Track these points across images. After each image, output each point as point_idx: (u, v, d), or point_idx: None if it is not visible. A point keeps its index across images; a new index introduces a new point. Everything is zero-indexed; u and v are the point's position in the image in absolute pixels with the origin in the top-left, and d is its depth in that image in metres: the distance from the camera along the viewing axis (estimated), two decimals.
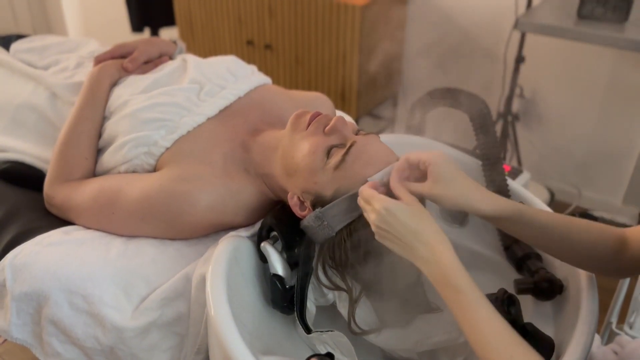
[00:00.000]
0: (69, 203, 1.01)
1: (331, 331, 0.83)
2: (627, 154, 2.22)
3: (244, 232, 0.92)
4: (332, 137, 0.86)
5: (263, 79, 1.18)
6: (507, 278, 0.94)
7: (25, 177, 1.13)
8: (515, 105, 2.30)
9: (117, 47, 1.18)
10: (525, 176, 1.70)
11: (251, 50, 2.49)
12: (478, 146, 1.08)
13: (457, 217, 1.08)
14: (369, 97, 2.41)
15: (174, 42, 1.26)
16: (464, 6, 2.29)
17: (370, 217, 0.75)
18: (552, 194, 2.40)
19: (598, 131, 2.24)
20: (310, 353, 0.83)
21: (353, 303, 0.87)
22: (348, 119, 1.19)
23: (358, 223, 0.83)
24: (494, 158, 1.05)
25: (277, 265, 0.86)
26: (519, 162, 2.30)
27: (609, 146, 2.25)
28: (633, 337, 1.07)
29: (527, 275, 0.93)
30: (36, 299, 0.90)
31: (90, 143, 1.07)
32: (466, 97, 1.10)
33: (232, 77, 1.13)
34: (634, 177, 2.24)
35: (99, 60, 1.17)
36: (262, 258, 0.89)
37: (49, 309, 0.89)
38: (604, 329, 1.25)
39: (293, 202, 0.88)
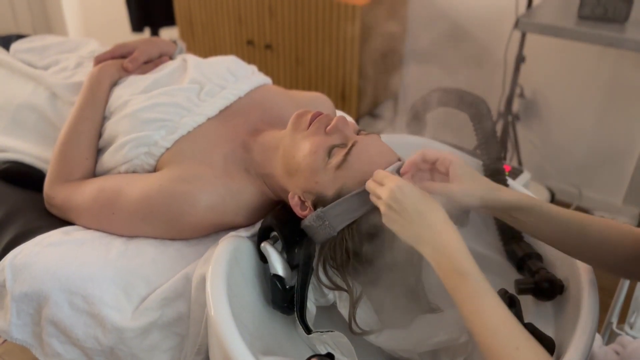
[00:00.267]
0: (69, 203, 1.01)
1: (331, 331, 0.82)
2: (627, 153, 2.22)
3: (244, 232, 0.92)
4: (334, 136, 0.86)
5: (263, 79, 1.18)
6: (507, 278, 0.94)
7: (25, 177, 1.13)
8: (516, 105, 2.30)
9: (117, 47, 1.18)
10: (525, 176, 1.70)
11: (251, 50, 2.49)
12: (478, 146, 1.08)
13: (458, 217, 1.08)
14: (369, 97, 2.41)
15: (174, 42, 1.26)
16: (464, 6, 2.29)
17: (383, 194, 0.75)
18: (552, 194, 2.40)
19: (598, 131, 2.24)
20: (311, 353, 0.83)
21: (354, 303, 0.87)
22: (348, 119, 1.19)
23: (360, 223, 0.83)
24: (495, 158, 1.05)
25: (277, 265, 0.86)
26: (520, 162, 2.30)
27: (610, 146, 2.25)
28: (634, 337, 1.07)
29: (528, 276, 0.93)
30: (36, 299, 0.90)
31: (90, 143, 1.07)
32: (466, 97, 1.10)
33: (233, 77, 1.13)
34: (635, 177, 2.24)
35: (99, 60, 1.17)
36: (262, 258, 0.89)
37: (49, 310, 0.89)
38: (605, 329, 1.25)
39: (294, 202, 0.88)
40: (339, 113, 1.14)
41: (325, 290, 0.90)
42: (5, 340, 0.97)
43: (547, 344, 0.76)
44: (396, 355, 0.90)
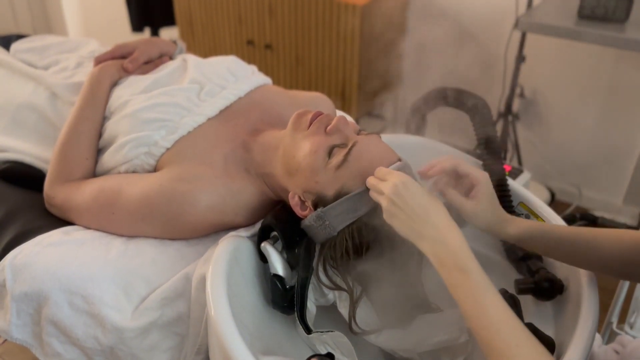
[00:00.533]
0: (69, 203, 1.01)
1: (331, 331, 0.82)
2: (627, 153, 2.22)
3: (244, 232, 0.92)
4: (334, 136, 0.86)
5: (263, 79, 1.18)
6: (507, 278, 0.94)
7: (25, 177, 1.13)
8: (516, 105, 2.30)
9: (117, 48, 1.18)
10: (525, 176, 1.70)
11: (251, 50, 2.49)
12: (478, 146, 1.08)
13: (458, 217, 1.08)
14: (369, 97, 2.41)
15: (174, 42, 1.26)
16: (464, 6, 2.29)
17: (385, 189, 0.75)
18: (552, 194, 2.40)
19: (598, 131, 2.24)
20: (311, 353, 0.83)
21: (354, 303, 0.87)
22: (349, 119, 1.19)
23: (360, 223, 0.83)
24: (495, 158, 1.05)
25: (278, 265, 0.86)
26: (520, 162, 2.30)
27: (610, 146, 2.25)
28: (634, 337, 1.07)
29: (528, 275, 0.93)
30: (36, 299, 0.90)
31: (90, 143, 1.07)
32: (466, 97, 1.09)
33: (233, 77, 1.13)
34: (635, 177, 2.24)
35: (99, 60, 1.17)
36: (263, 258, 0.89)
37: (49, 309, 0.89)
38: (605, 329, 1.25)
39: (294, 201, 0.88)
40: (339, 113, 1.14)
41: (325, 290, 0.90)
42: (5, 340, 0.97)
43: (547, 344, 0.77)
44: (396, 355, 0.90)
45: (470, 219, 0.82)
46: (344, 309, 0.89)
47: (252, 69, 1.20)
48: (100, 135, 1.09)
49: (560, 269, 0.91)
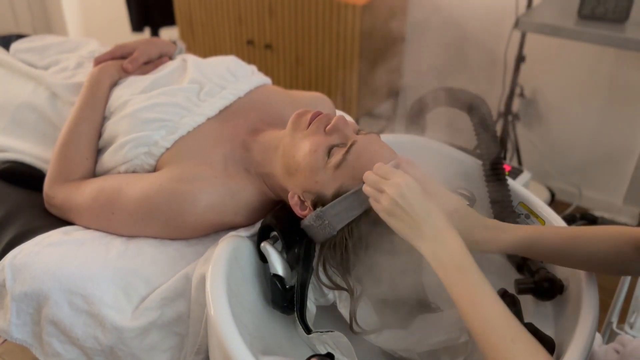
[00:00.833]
0: (69, 203, 1.01)
1: (331, 331, 0.82)
2: (627, 153, 2.22)
3: (244, 232, 0.92)
4: (333, 136, 0.86)
5: (263, 79, 1.18)
6: (507, 278, 0.94)
7: (25, 177, 1.13)
8: (516, 105, 2.30)
9: (117, 48, 1.18)
10: (525, 176, 1.70)
11: (251, 50, 2.49)
12: (478, 146, 1.08)
13: None
14: (369, 97, 2.41)
15: (174, 43, 1.26)
16: (464, 6, 2.29)
17: (389, 189, 0.75)
18: (552, 194, 2.40)
19: (598, 130, 2.24)
20: (311, 353, 0.83)
21: (354, 302, 0.87)
22: (348, 118, 1.19)
23: (359, 222, 0.83)
24: (495, 158, 1.05)
25: (277, 265, 0.86)
26: (520, 162, 2.30)
27: (610, 146, 2.25)
28: (634, 337, 1.07)
29: (528, 275, 0.93)
30: (36, 299, 0.90)
31: (90, 143, 1.07)
32: (466, 97, 1.09)
33: (232, 77, 1.13)
34: (635, 177, 2.24)
35: (99, 61, 1.17)
36: (262, 258, 0.89)
37: (48, 309, 0.89)
38: (605, 329, 1.25)
39: (294, 201, 0.88)
40: (339, 113, 1.14)
41: (325, 290, 0.90)
42: (5, 340, 0.97)
43: (547, 343, 0.77)
44: (396, 355, 0.90)
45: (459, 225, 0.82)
46: (344, 309, 0.89)
47: (252, 69, 1.20)
48: (100, 135, 1.09)
49: (560, 269, 0.91)
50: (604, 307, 0.91)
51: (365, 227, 0.83)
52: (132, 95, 1.08)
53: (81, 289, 0.88)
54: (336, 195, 0.83)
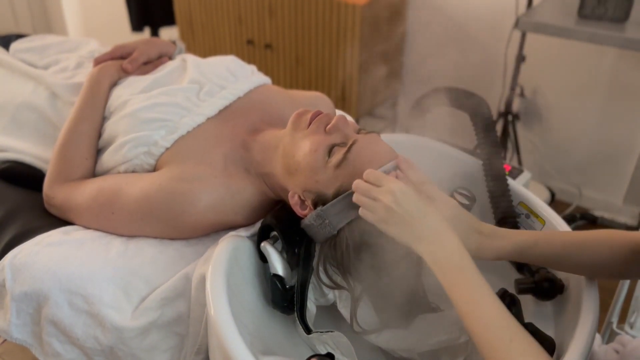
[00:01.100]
0: (68, 203, 1.01)
1: (331, 331, 0.82)
2: (627, 153, 2.22)
3: (244, 232, 0.92)
4: (334, 135, 0.86)
5: (263, 79, 1.18)
6: (507, 278, 0.94)
7: (25, 177, 1.13)
8: (516, 105, 2.30)
9: (117, 48, 1.18)
10: (525, 176, 1.69)
11: (251, 50, 2.49)
12: (478, 146, 1.07)
13: None
14: (369, 96, 2.41)
15: (174, 43, 1.26)
16: (464, 5, 2.29)
17: (384, 197, 0.75)
18: (552, 194, 2.39)
19: (599, 130, 2.24)
20: (311, 353, 0.83)
21: (354, 302, 0.87)
22: (348, 118, 1.19)
23: (360, 221, 0.83)
24: (495, 158, 1.05)
25: (277, 265, 0.86)
26: (520, 162, 2.30)
27: (610, 145, 2.25)
28: (634, 337, 1.07)
29: (528, 275, 0.93)
30: (36, 299, 0.90)
31: (90, 143, 1.07)
32: (467, 97, 1.09)
33: (232, 77, 1.13)
34: (635, 177, 2.24)
35: (98, 61, 1.17)
36: (262, 258, 0.89)
37: (48, 309, 0.89)
38: (605, 329, 1.24)
39: (294, 201, 0.88)
40: (339, 112, 1.14)
41: (326, 290, 0.90)
42: (5, 340, 0.97)
43: (547, 343, 0.76)
44: (396, 355, 0.90)
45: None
46: (344, 309, 0.89)
47: (252, 68, 1.20)
48: (100, 135, 1.09)
49: None
50: (604, 307, 0.91)
51: (365, 227, 0.83)
52: (131, 95, 1.08)
53: (81, 288, 0.88)
54: (337, 194, 0.83)
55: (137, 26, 2.72)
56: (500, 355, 0.63)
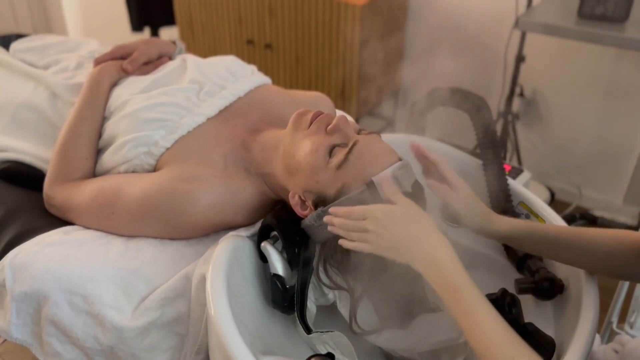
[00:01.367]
0: (68, 203, 1.01)
1: (331, 331, 0.82)
2: (627, 153, 2.22)
3: (244, 232, 0.92)
4: (334, 136, 0.86)
5: (263, 79, 1.18)
6: (507, 278, 0.94)
7: (25, 177, 1.13)
8: (516, 105, 2.30)
9: (117, 48, 1.18)
10: (525, 175, 1.70)
11: (251, 50, 2.49)
12: (478, 146, 1.08)
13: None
14: (369, 96, 2.41)
15: (174, 43, 1.26)
16: (464, 5, 2.29)
17: (372, 227, 0.75)
18: (552, 194, 2.40)
19: (598, 130, 2.24)
20: (311, 353, 0.83)
21: (354, 303, 0.87)
22: (349, 118, 1.19)
23: None
24: (495, 157, 1.05)
25: (278, 265, 0.86)
26: (520, 162, 2.30)
27: (610, 145, 2.25)
28: (633, 337, 1.07)
29: (528, 275, 0.93)
30: (36, 299, 0.90)
31: (90, 143, 1.07)
32: (466, 97, 1.09)
33: (232, 77, 1.13)
34: (635, 177, 2.24)
35: (98, 61, 1.17)
36: (263, 258, 0.89)
37: (48, 309, 0.89)
38: (605, 329, 1.25)
39: (294, 201, 0.88)
40: (339, 113, 1.14)
41: (326, 290, 0.90)
42: (5, 340, 0.97)
43: (548, 343, 0.77)
44: (396, 355, 0.90)
45: (457, 220, 0.86)
46: (344, 309, 0.89)
47: (252, 68, 1.20)
48: (100, 135, 1.09)
49: (561, 269, 0.91)
50: (604, 307, 0.91)
51: None
52: (131, 95, 1.08)
53: (81, 288, 0.88)
54: (337, 195, 0.83)
55: (137, 26, 2.72)
56: None
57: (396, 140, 1.11)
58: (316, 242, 0.88)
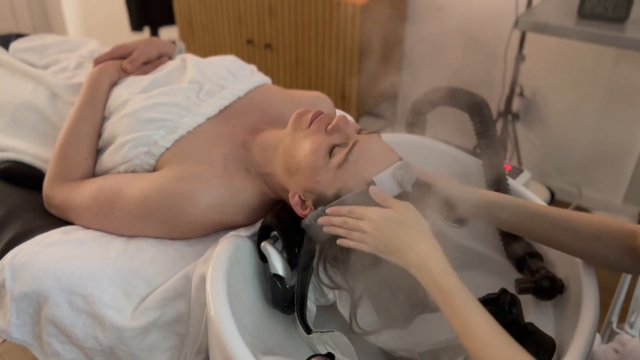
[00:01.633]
0: (68, 203, 1.01)
1: (331, 331, 0.82)
2: (627, 153, 2.22)
3: (244, 232, 0.92)
4: (335, 136, 0.86)
5: (263, 78, 1.18)
6: (507, 278, 0.94)
7: (25, 177, 1.13)
8: (516, 105, 2.30)
9: (117, 48, 1.18)
10: (525, 175, 1.69)
11: (251, 49, 2.49)
12: (478, 145, 1.07)
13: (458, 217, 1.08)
14: (369, 96, 2.41)
15: (173, 43, 1.26)
16: (464, 5, 2.29)
17: (367, 227, 0.77)
18: (552, 193, 2.40)
19: (598, 130, 2.24)
20: (311, 353, 0.83)
21: (354, 303, 0.87)
22: (349, 118, 1.19)
23: None
24: (495, 158, 1.05)
25: (278, 265, 0.86)
26: (519, 162, 2.30)
27: (610, 145, 2.25)
28: (633, 337, 1.07)
29: (528, 275, 0.93)
30: (36, 299, 0.90)
31: (90, 143, 1.07)
32: (466, 96, 1.09)
33: (232, 77, 1.13)
34: (635, 176, 2.24)
35: (98, 61, 1.17)
36: (263, 258, 0.89)
37: (48, 309, 0.89)
38: (605, 329, 1.25)
39: (294, 201, 0.88)
40: (339, 112, 1.14)
41: (326, 290, 0.90)
42: (4, 340, 0.97)
43: (548, 343, 0.76)
44: (396, 355, 0.90)
45: (449, 191, 0.89)
46: (344, 309, 0.89)
47: (252, 68, 1.20)
48: (99, 135, 1.09)
49: (561, 268, 0.91)
50: (604, 307, 0.91)
51: None
52: (131, 94, 1.08)
53: (81, 288, 0.88)
54: (337, 195, 0.83)
55: (136, 26, 2.72)
56: None
57: (396, 140, 1.11)
58: (316, 242, 0.88)
